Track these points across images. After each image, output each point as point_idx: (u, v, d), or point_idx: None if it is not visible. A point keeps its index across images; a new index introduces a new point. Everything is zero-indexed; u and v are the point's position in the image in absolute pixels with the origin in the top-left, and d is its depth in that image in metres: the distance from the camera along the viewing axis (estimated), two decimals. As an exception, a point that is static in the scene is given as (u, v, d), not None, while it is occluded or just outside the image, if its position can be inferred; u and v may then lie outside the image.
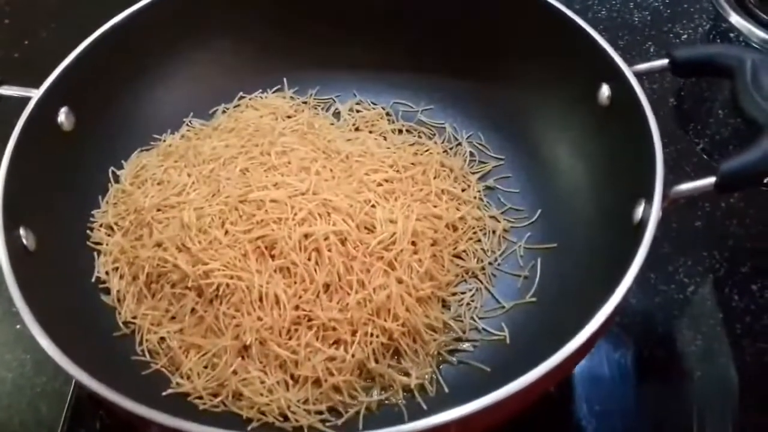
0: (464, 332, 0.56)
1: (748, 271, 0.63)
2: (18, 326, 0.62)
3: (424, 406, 0.52)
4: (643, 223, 0.49)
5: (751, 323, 0.60)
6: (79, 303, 0.55)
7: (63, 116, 0.58)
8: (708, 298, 0.62)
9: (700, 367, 0.58)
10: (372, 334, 0.53)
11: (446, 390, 0.53)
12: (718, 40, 0.81)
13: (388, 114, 0.70)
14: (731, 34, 0.81)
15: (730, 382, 0.58)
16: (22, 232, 0.52)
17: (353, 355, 0.52)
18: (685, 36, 0.82)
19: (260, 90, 0.71)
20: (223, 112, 0.69)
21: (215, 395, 0.52)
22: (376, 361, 0.53)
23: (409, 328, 0.54)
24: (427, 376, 0.54)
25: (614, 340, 0.60)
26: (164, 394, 0.53)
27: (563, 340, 0.44)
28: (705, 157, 0.71)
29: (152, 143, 0.67)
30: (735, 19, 0.81)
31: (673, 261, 0.64)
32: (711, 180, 0.49)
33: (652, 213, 0.48)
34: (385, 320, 0.53)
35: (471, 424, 0.43)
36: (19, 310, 0.46)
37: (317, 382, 0.52)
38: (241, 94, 0.70)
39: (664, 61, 0.56)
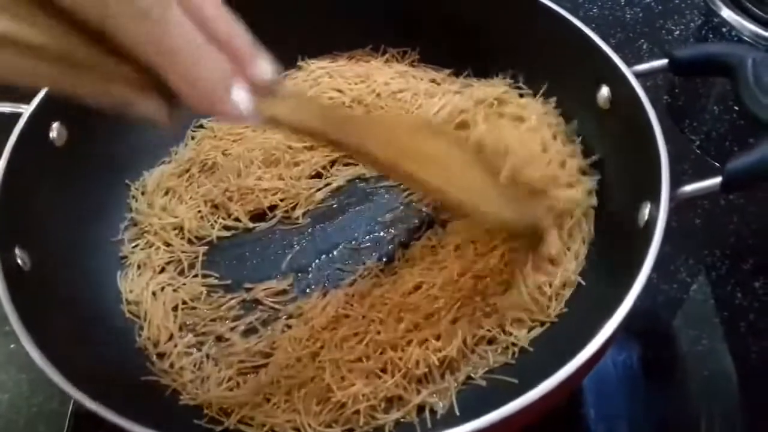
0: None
1: (750, 268, 0.63)
2: (12, 345, 0.61)
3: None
4: (649, 226, 0.49)
5: (755, 321, 0.60)
6: (75, 321, 0.54)
7: (55, 132, 0.58)
8: (711, 297, 0.62)
9: (706, 367, 0.58)
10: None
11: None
12: (711, 35, 0.81)
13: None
14: (723, 29, 0.81)
15: (736, 381, 0.57)
16: (17, 251, 0.51)
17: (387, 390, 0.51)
18: (678, 32, 0.81)
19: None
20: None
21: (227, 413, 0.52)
22: (405, 390, 0.52)
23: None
24: (445, 402, 0.52)
25: (619, 343, 0.59)
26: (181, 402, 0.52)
27: (574, 350, 0.43)
28: (700, 152, 0.71)
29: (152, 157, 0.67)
30: (726, 13, 0.81)
31: (674, 260, 0.64)
32: (717, 180, 0.49)
33: (659, 215, 0.48)
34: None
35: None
36: (15, 331, 0.45)
37: (342, 406, 0.51)
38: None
39: (664, 62, 0.56)
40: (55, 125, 0.57)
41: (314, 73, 0.70)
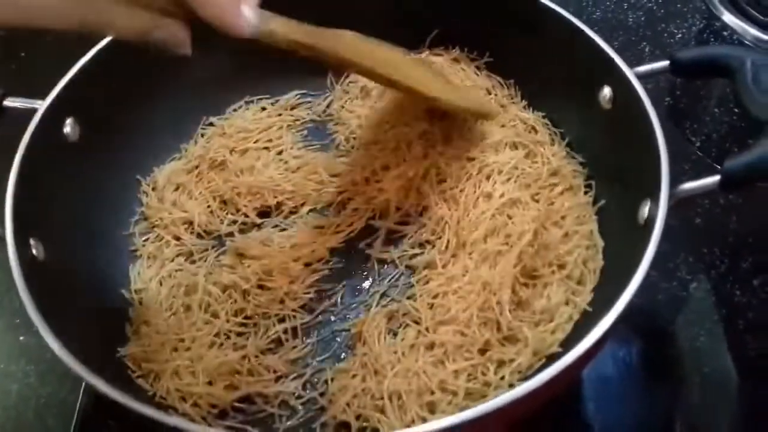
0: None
1: (749, 267, 0.64)
2: (22, 338, 0.61)
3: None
4: (649, 223, 0.50)
5: (754, 318, 0.61)
6: (87, 310, 0.55)
7: (69, 127, 0.59)
8: (710, 295, 0.63)
9: (705, 364, 0.59)
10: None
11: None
12: (712, 39, 0.82)
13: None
14: (724, 33, 0.82)
15: (734, 377, 0.58)
16: (31, 242, 0.52)
17: None
18: (679, 35, 0.83)
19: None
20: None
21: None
22: None
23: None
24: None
25: (619, 339, 0.60)
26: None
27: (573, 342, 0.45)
28: (700, 154, 0.72)
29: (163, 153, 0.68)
30: (728, 17, 0.82)
31: (673, 258, 0.65)
32: (715, 178, 0.50)
33: (659, 212, 0.49)
34: None
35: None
36: (32, 318, 0.46)
37: None
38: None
39: (665, 63, 0.57)
40: (69, 121, 0.59)
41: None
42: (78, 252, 0.57)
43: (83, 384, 0.57)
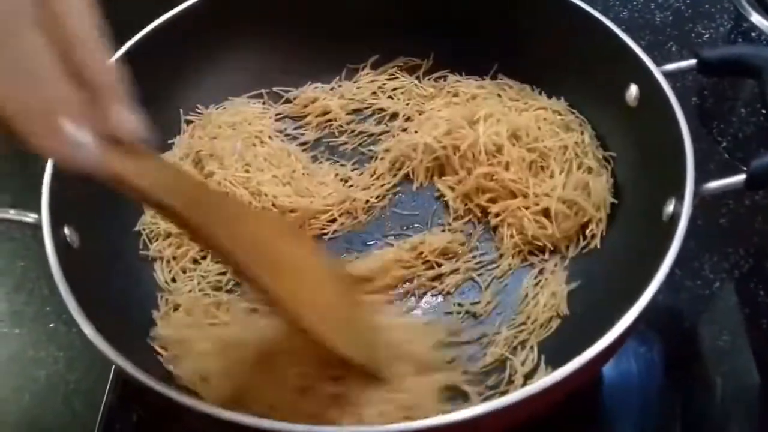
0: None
1: (773, 267, 0.64)
2: (51, 325, 0.63)
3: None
4: (674, 220, 0.50)
5: (777, 318, 0.61)
6: (119, 294, 0.57)
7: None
8: (733, 294, 0.63)
9: (726, 363, 0.59)
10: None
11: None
12: (740, 40, 0.82)
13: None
14: (753, 33, 0.82)
15: (755, 378, 0.58)
16: (66, 230, 0.53)
17: None
18: (707, 36, 0.82)
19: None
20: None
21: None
22: None
23: None
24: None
25: (641, 336, 0.60)
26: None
27: (593, 338, 0.45)
28: (726, 154, 0.72)
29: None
30: (756, 18, 0.82)
31: (698, 257, 0.65)
32: (741, 177, 0.50)
33: (683, 210, 0.49)
34: None
35: (488, 423, 0.44)
36: (66, 303, 0.47)
37: None
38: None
39: (692, 62, 0.57)
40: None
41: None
42: (111, 239, 0.59)
43: (111, 370, 0.59)
